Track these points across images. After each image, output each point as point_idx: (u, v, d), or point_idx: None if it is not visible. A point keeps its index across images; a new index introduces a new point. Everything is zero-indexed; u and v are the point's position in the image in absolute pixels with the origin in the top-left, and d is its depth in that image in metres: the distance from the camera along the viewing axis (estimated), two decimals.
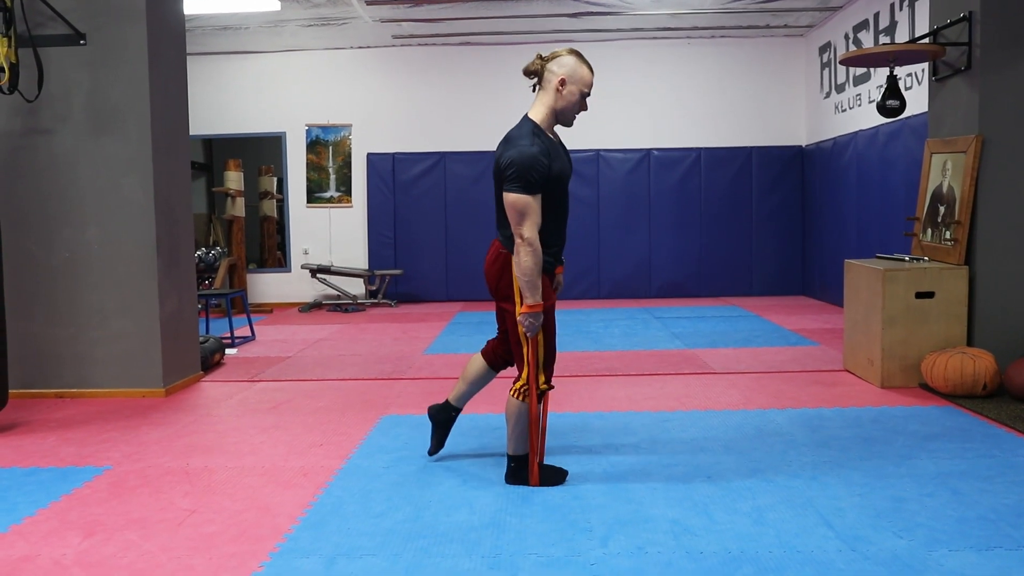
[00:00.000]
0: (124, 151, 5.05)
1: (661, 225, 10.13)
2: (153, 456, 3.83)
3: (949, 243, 5.01)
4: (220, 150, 12.38)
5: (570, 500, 3.13)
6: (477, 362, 3.55)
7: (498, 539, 2.78)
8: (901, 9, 7.32)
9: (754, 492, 3.18)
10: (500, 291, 3.24)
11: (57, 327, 5.11)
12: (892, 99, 5.29)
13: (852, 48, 8.48)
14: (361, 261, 10.39)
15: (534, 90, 3.21)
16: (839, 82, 8.97)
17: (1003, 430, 3.99)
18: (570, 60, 3.14)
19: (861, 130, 8.25)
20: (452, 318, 8.54)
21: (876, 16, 7.89)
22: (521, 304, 3.10)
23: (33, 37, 4.87)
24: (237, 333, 7.45)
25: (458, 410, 3.61)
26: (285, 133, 10.44)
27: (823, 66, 9.50)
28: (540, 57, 3.16)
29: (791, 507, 3.01)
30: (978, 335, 4.85)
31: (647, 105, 10.19)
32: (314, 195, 10.46)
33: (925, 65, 6.50)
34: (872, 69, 7.91)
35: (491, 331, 3.76)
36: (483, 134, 10.21)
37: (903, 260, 5.18)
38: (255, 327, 7.95)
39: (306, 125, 10.42)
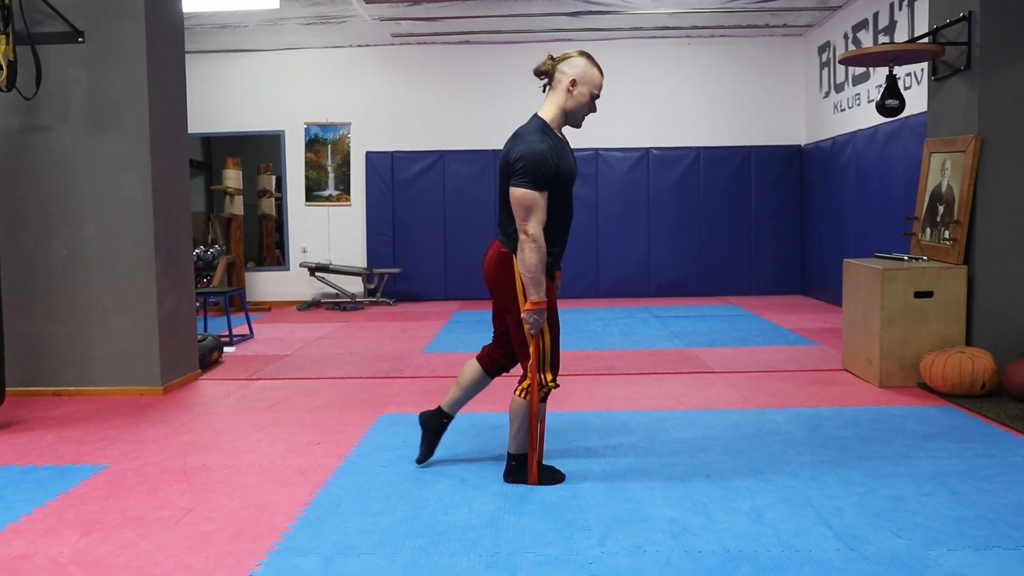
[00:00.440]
0: (123, 149, 5.04)
1: (660, 224, 10.13)
2: (151, 454, 3.82)
3: (948, 243, 5.00)
4: (219, 148, 12.37)
5: (568, 499, 3.13)
6: (472, 368, 3.52)
7: (496, 538, 2.77)
8: (900, 9, 7.31)
9: (753, 491, 3.17)
10: (500, 291, 3.23)
11: (55, 325, 5.10)
12: (891, 99, 5.29)
13: (851, 48, 8.48)
14: (360, 259, 10.38)
15: (544, 90, 3.21)
16: (838, 82, 8.97)
17: (1001, 429, 3.99)
18: (581, 61, 3.16)
19: (860, 130, 8.25)
20: (451, 317, 8.53)
21: (875, 16, 7.89)
22: (525, 302, 3.10)
23: (31, 34, 4.86)
24: (235, 331, 7.45)
25: (450, 417, 3.57)
26: (284, 131, 10.43)
27: (822, 65, 9.50)
28: (551, 58, 3.18)
29: (790, 506, 3.01)
30: (977, 335, 4.85)
31: (646, 104, 10.18)
32: (313, 193, 10.45)
33: (924, 65, 6.49)
34: (871, 69, 7.91)
35: (489, 330, 3.74)
36: (482, 133, 10.21)
37: (902, 259, 5.17)
38: (253, 325, 7.94)
39: (305, 123, 10.41)
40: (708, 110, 10.19)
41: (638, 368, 5.68)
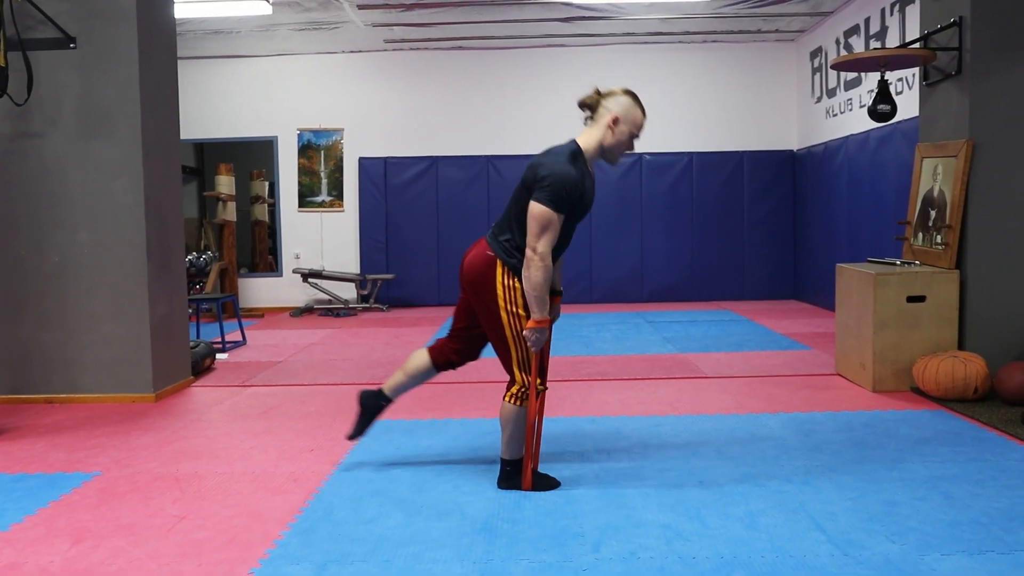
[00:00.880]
0: (115, 155, 5.03)
1: (653, 229, 10.14)
2: (143, 462, 3.80)
3: (940, 247, 5.02)
4: (211, 154, 12.34)
5: (562, 505, 3.12)
6: (421, 358, 3.52)
7: (490, 545, 2.76)
8: (892, 14, 7.34)
9: (746, 497, 3.17)
10: (480, 294, 3.22)
11: (47, 332, 5.07)
12: (883, 104, 5.31)
13: (843, 53, 8.51)
14: (353, 265, 10.37)
15: (585, 122, 3.25)
16: (830, 87, 9.00)
17: (994, 434, 4.00)
18: (626, 100, 3.18)
19: (852, 134, 8.27)
20: (444, 323, 8.52)
21: (867, 21, 7.92)
22: (505, 305, 3.12)
23: (23, 40, 4.85)
24: (228, 338, 7.42)
25: (390, 401, 3.58)
26: (277, 137, 10.42)
27: (814, 71, 9.53)
28: (597, 92, 3.22)
29: (783, 511, 3.01)
30: (969, 339, 4.86)
31: None
32: (306, 199, 10.44)
33: (916, 70, 6.52)
34: (863, 74, 7.94)
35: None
36: (475, 138, 10.21)
37: (894, 264, 5.19)
38: (246, 332, 7.92)
39: (298, 129, 10.40)
40: (701, 115, 10.22)
41: (631, 373, 5.67)
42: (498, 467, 3.40)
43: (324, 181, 10.41)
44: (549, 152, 3.15)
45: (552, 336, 3.43)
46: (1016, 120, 4.80)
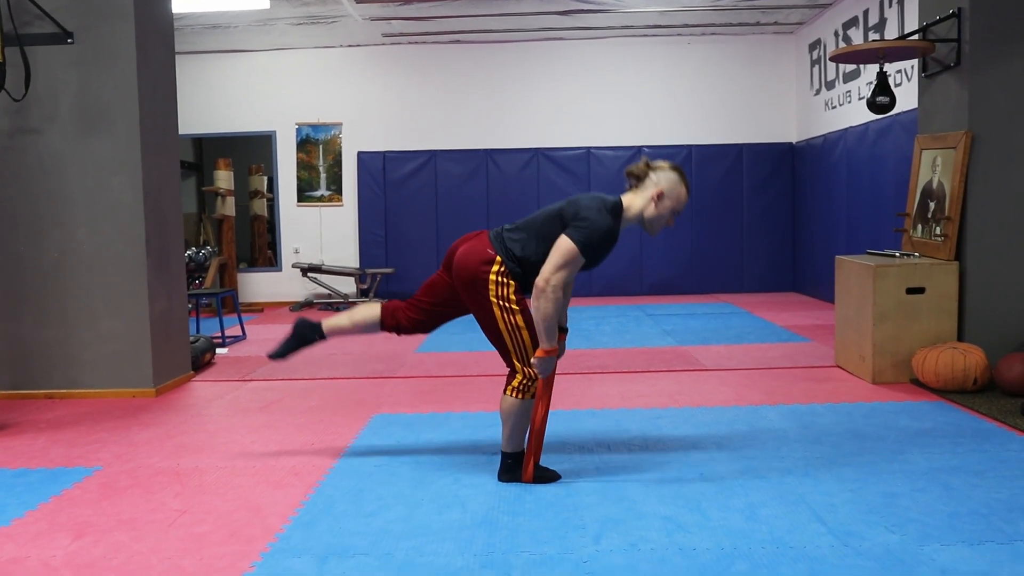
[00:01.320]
0: (113, 150, 5.02)
1: None
2: (143, 456, 3.81)
3: (939, 239, 5.02)
4: (210, 149, 12.34)
5: (563, 498, 3.12)
6: (372, 312, 3.49)
7: (491, 537, 2.77)
8: (891, 6, 7.33)
9: (746, 488, 3.18)
10: (471, 289, 3.21)
11: (46, 328, 5.07)
12: (882, 95, 5.30)
13: (842, 45, 8.50)
14: (352, 260, 10.37)
15: (629, 187, 3.30)
16: (829, 79, 8.99)
17: (994, 425, 4.00)
18: (673, 177, 3.25)
19: (851, 126, 8.27)
20: None
21: (866, 13, 7.91)
22: (519, 311, 3.15)
23: (20, 36, 4.84)
24: (228, 333, 7.42)
25: (323, 338, 3.56)
26: (275, 132, 10.41)
27: (813, 63, 9.52)
28: (647, 164, 3.28)
29: (784, 503, 3.01)
30: (968, 330, 4.86)
31: (638, 102, 10.19)
32: (304, 194, 10.43)
33: (915, 61, 6.51)
34: (862, 66, 7.93)
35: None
36: (474, 132, 10.20)
37: (894, 256, 5.19)
38: (246, 326, 7.92)
39: (296, 124, 10.39)
40: (700, 108, 10.21)
41: (631, 366, 5.68)
42: (499, 460, 3.41)
43: (323, 175, 10.40)
44: (596, 197, 3.21)
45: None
46: (1015, 111, 4.80)
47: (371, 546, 2.72)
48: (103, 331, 5.06)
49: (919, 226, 5.30)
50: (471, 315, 3.35)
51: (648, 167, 3.27)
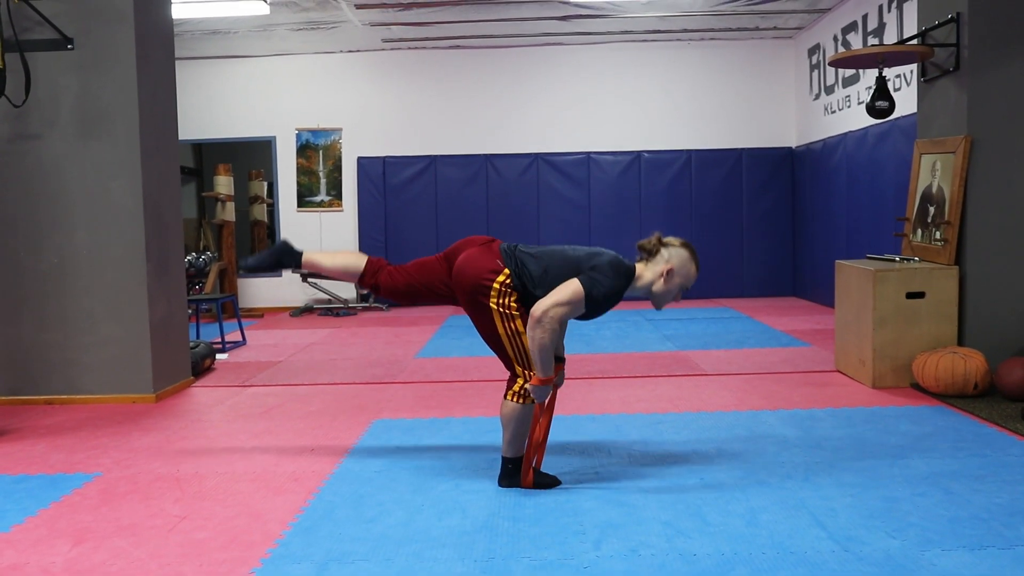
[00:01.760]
0: (113, 156, 5.03)
1: (652, 227, 10.03)
2: (143, 462, 3.80)
3: (939, 243, 5.02)
4: (210, 155, 12.33)
5: (563, 503, 3.12)
6: (356, 261, 3.51)
7: (491, 543, 2.76)
8: (890, 11, 7.34)
9: (747, 494, 3.17)
10: (473, 290, 3.21)
11: (46, 333, 5.07)
12: (881, 100, 5.31)
13: (841, 50, 8.51)
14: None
15: (640, 259, 3.31)
16: (828, 84, 9.00)
17: (994, 429, 4.00)
18: (684, 255, 3.28)
19: (851, 131, 8.27)
20: (444, 321, 8.52)
21: (865, 18, 7.92)
22: (520, 316, 3.16)
23: (20, 41, 4.84)
24: (228, 338, 7.42)
25: (298, 267, 3.61)
26: (275, 137, 10.42)
27: (812, 68, 9.53)
28: (659, 239, 3.31)
29: (784, 508, 3.01)
30: (968, 335, 4.86)
31: (637, 107, 10.20)
32: (304, 199, 10.43)
33: (914, 66, 6.52)
34: (861, 71, 7.94)
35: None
36: (473, 137, 10.21)
37: (893, 260, 5.19)
38: (246, 332, 7.91)
39: (296, 129, 10.40)
40: (699, 113, 10.22)
41: (631, 371, 5.68)
42: (499, 465, 3.40)
43: (323, 181, 10.41)
44: (616, 257, 3.23)
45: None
46: (1014, 115, 4.80)
47: (371, 552, 2.71)
48: (103, 336, 5.06)
49: (919, 230, 5.31)
50: (464, 319, 3.36)
51: (660, 243, 3.29)
